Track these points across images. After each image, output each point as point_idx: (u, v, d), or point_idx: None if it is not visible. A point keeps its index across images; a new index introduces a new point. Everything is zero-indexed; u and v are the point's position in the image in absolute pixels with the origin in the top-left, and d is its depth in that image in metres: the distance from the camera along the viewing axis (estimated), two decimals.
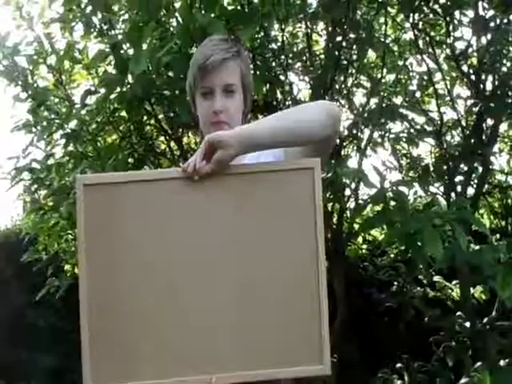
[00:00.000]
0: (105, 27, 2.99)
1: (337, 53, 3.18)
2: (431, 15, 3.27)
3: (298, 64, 3.48)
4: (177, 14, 2.78)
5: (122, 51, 2.88)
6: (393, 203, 2.43)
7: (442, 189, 3.13)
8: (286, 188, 1.39)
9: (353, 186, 3.05)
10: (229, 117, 1.61)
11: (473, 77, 3.14)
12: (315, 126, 1.45)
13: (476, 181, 3.17)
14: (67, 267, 4.30)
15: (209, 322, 1.36)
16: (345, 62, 3.31)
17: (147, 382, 1.35)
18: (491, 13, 3.04)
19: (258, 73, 3.04)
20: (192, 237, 1.38)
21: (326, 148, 1.57)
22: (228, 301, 1.37)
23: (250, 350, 1.37)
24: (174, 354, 1.36)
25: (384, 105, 3.25)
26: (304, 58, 3.44)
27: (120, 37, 2.90)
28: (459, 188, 3.08)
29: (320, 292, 1.37)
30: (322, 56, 3.46)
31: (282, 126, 1.43)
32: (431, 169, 3.10)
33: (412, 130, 3.27)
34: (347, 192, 3.14)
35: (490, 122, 3.10)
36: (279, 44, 3.34)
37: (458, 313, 3.30)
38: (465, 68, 3.19)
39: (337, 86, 3.36)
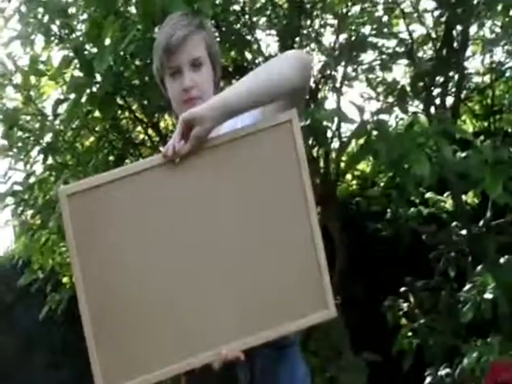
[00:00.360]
0: (64, 33, 3.50)
1: None
2: None
3: (263, 19, 4.05)
4: (134, 1, 3.27)
5: (85, 52, 3.37)
6: (375, 133, 2.96)
7: (421, 106, 3.75)
8: (268, 147, 1.61)
9: (334, 126, 3.65)
10: (200, 91, 1.83)
11: None
12: (287, 78, 1.66)
13: (454, 89, 3.79)
14: (65, 280, 4.93)
15: (209, 298, 1.59)
16: (308, 6, 3.88)
17: (158, 372, 1.57)
18: None
19: (224, 38, 3.55)
20: (184, 220, 1.60)
21: (302, 96, 1.82)
22: (227, 271, 1.59)
23: (253, 314, 1.59)
24: (179, 338, 1.58)
25: (353, 38, 3.87)
26: (267, 12, 3.99)
27: (81, 38, 3.39)
28: (438, 101, 3.70)
29: (315, 239, 1.61)
30: (286, 5, 4.00)
31: (254, 87, 1.63)
32: (408, 89, 3.68)
33: (384, 56, 3.87)
34: (329, 134, 3.71)
35: (459, 27, 3.69)
36: (241, 4, 3.87)
37: (454, 223, 3.91)
38: None
39: (304, 32, 3.95)
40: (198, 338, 1.58)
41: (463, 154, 3.07)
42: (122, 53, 3.23)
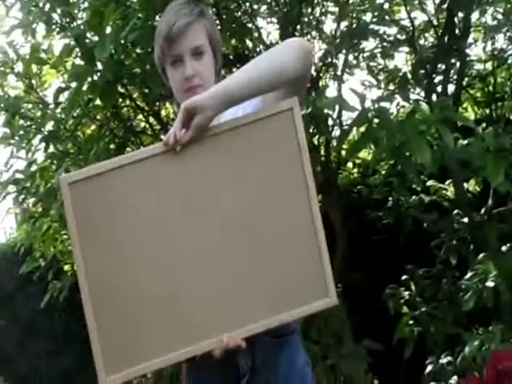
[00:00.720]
0: (66, 21, 3.52)
1: None
2: None
3: (264, 7, 4.04)
4: None
5: (86, 40, 3.37)
6: (376, 121, 2.93)
7: (423, 94, 3.73)
8: (269, 135, 1.63)
9: (335, 114, 3.64)
10: (202, 79, 1.83)
11: None
12: (288, 66, 1.67)
13: (455, 76, 3.77)
14: (67, 267, 5.01)
15: (210, 287, 1.60)
16: None
17: (159, 359, 1.58)
18: None
19: (225, 26, 3.56)
20: (185, 207, 1.61)
21: (303, 84, 1.82)
22: (227, 259, 1.61)
23: (255, 301, 1.60)
24: (180, 325, 1.59)
25: (354, 26, 3.86)
26: (268, 0, 3.96)
27: (82, 27, 3.38)
28: (440, 88, 3.68)
29: (316, 228, 1.62)
30: None
31: (255, 75, 1.64)
32: (409, 76, 3.68)
33: (385, 44, 3.87)
34: (330, 122, 3.72)
35: (460, 14, 3.68)
36: None
37: (455, 211, 3.91)
38: None
39: (305, 19, 3.95)
40: (199, 326, 1.59)
41: (465, 142, 3.09)
42: (122, 41, 3.22)
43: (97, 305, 1.59)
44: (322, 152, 4.25)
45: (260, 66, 1.68)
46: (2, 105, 3.95)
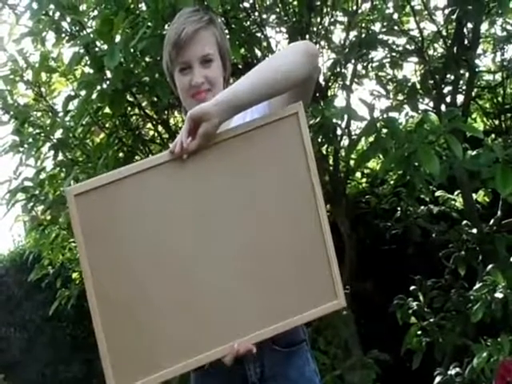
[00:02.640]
0: (75, 29, 3.50)
1: None
2: None
3: (273, 17, 4.02)
4: None
5: (96, 49, 3.37)
6: (385, 131, 2.91)
7: (431, 104, 3.69)
8: (275, 140, 1.64)
9: (343, 124, 3.59)
10: (210, 83, 1.85)
11: None
12: (293, 69, 1.66)
13: (464, 87, 3.74)
14: (75, 275, 4.97)
15: (220, 293, 1.61)
16: (318, 3, 3.84)
17: (170, 369, 1.59)
18: None
19: (233, 35, 3.48)
20: (191, 216, 1.61)
21: (309, 88, 1.82)
22: (235, 268, 1.62)
23: (264, 306, 1.61)
24: (192, 333, 1.60)
25: (363, 35, 3.82)
26: (277, 9, 3.96)
27: (92, 35, 3.35)
28: (448, 99, 3.64)
29: (324, 234, 1.64)
30: (295, 3, 3.96)
31: (261, 80, 1.63)
32: (418, 87, 3.63)
33: (394, 54, 3.84)
34: (339, 132, 3.68)
35: (470, 25, 3.66)
36: (251, 1, 3.84)
37: (464, 221, 3.85)
38: None
39: (314, 29, 3.93)
40: (210, 334, 1.60)
41: (474, 153, 3.01)
42: (132, 50, 3.19)
43: (105, 315, 1.59)
44: (331, 162, 4.21)
45: (265, 72, 1.67)
46: (12, 113, 3.93)
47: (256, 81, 1.64)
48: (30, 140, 3.99)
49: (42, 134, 3.99)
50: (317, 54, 1.80)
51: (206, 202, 1.63)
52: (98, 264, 1.60)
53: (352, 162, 4.25)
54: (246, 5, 3.86)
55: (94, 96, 3.53)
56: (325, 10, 4.01)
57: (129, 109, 4.08)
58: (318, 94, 3.78)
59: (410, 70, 4.31)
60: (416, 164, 2.84)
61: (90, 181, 1.67)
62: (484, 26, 3.89)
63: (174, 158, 1.60)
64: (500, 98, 4.22)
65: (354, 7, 3.97)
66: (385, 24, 3.95)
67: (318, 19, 4.01)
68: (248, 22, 3.88)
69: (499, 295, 3.16)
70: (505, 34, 3.94)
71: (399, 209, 4.48)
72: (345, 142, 4.06)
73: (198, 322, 1.61)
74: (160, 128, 4.39)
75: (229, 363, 1.60)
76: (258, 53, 3.95)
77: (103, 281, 1.60)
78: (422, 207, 4.27)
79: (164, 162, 1.61)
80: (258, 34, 3.90)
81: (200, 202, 1.62)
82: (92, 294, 1.59)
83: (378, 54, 4.00)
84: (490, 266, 3.40)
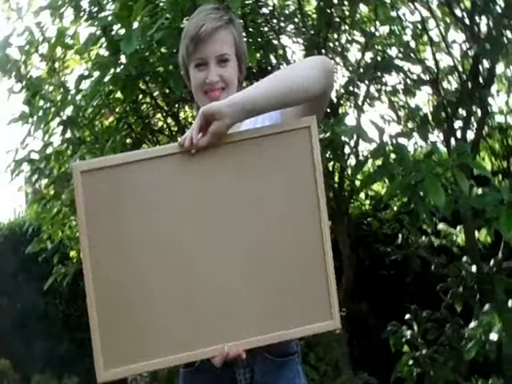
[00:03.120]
0: (94, 10, 3.14)
1: (329, 11, 3.34)
2: None
3: (291, 26, 3.65)
4: None
5: (112, 32, 3.02)
6: (393, 156, 2.60)
7: (441, 136, 3.32)
8: (285, 150, 1.48)
9: (352, 143, 3.23)
10: (225, 82, 1.69)
11: (467, 20, 3.31)
12: (309, 82, 1.51)
13: (475, 124, 3.35)
14: (73, 254, 4.54)
15: (217, 294, 1.46)
16: (337, 20, 3.48)
17: (159, 360, 1.44)
18: None
19: (250, 39, 3.19)
20: (195, 210, 1.46)
21: (322, 104, 1.66)
22: (235, 269, 1.46)
23: (259, 316, 1.46)
24: (185, 328, 1.45)
25: (379, 58, 3.43)
26: (296, 19, 3.59)
27: (110, 18, 3.01)
28: (459, 134, 3.27)
29: (325, 249, 1.48)
30: (315, 16, 3.61)
31: (276, 86, 1.49)
32: (430, 117, 3.25)
33: (408, 81, 3.45)
34: (347, 150, 3.34)
35: (486, 64, 3.26)
36: (270, 8, 3.52)
37: (464, 258, 3.49)
38: (458, 12, 3.35)
39: (331, 45, 3.56)
40: (203, 333, 1.46)
41: (479, 191, 2.71)
42: (148, 38, 2.87)
43: (100, 295, 1.45)
44: (336, 179, 3.81)
45: (281, 81, 1.52)
46: (24, 83, 3.52)
47: (271, 89, 1.49)
48: (40, 113, 3.57)
49: (52, 109, 3.56)
50: (333, 71, 1.65)
51: (210, 198, 1.48)
52: (97, 243, 1.46)
53: (357, 183, 3.88)
54: (266, 11, 3.55)
55: (106, 79, 3.16)
56: (343, 28, 3.65)
57: (140, 96, 3.69)
58: (329, 110, 3.41)
59: (423, 100, 3.91)
60: (421, 194, 2.52)
61: (98, 160, 1.57)
62: (500, 67, 3.52)
63: (182, 150, 1.46)
64: (510, 140, 3.80)
65: (372, 29, 3.59)
66: (401, 50, 3.57)
67: (336, 35, 3.65)
68: (266, 28, 3.54)
69: (494, 337, 2.86)
70: None
71: (400, 235, 4.10)
72: (352, 161, 3.66)
73: (193, 317, 1.46)
74: (169, 120, 4.00)
75: (218, 365, 1.47)
76: (273, 60, 3.62)
77: (101, 260, 1.45)
78: (424, 237, 3.90)
79: (172, 154, 1.47)
80: (275, 42, 3.56)
81: (204, 197, 1.48)
82: (89, 272, 1.45)
83: (392, 78, 3.62)
84: (486, 306, 3.08)
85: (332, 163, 3.59)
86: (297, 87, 1.50)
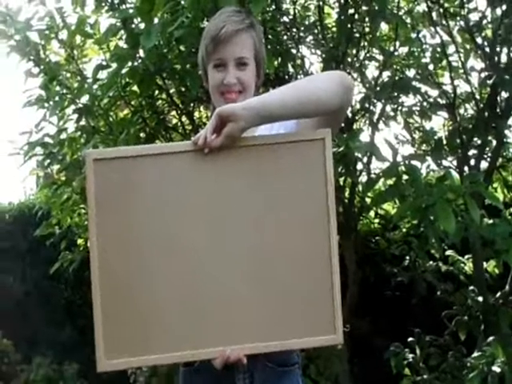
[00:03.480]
0: (116, 1, 2.95)
1: (349, 25, 3.09)
2: None
3: (310, 37, 3.40)
4: None
5: (133, 25, 2.82)
6: (405, 177, 2.39)
7: (455, 162, 3.05)
8: (298, 160, 1.38)
9: (365, 159, 2.98)
10: (242, 85, 1.58)
11: (487, 49, 3.04)
12: (327, 96, 1.41)
13: (490, 154, 3.08)
14: (80, 241, 4.28)
15: (223, 295, 1.36)
16: (357, 35, 3.22)
17: (160, 355, 1.35)
18: None
19: (269, 46, 2.96)
20: (204, 209, 1.37)
21: (339, 119, 1.55)
22: (242, 273, 1.36)
23: (263, 323, 1.37)
24: (188, 327, 1.35)
25: (397, 78, 3.18)
26: (316, 31, 3.35)
27: (131, 11, 2.83)
28: (472, 162, 3.01)
29: (332, 263, 1.37)
30: (334, 29, 3.36)
31: (294, 96, 1.39)
32: (444, 142, 3.01)
33: (425, 103, 3.18)
34: (359, 166, 3.08)
35: (504, 94, 2.99)
36: (291, 17, 3.27)
37: (471, 287, 3.24)
38: (479, 40, 3.08)
39: (349, 59, 3.29)
40: (206, 333, 1.37)
41: (490, 221, 2.48)
42: (168, 35, 2.68)
43: (105, 286, 1.36)
44: (347, 194, 3.51)
45: (299, 91, 1.42)
46: (42, 67, 3.26)
47: (289, 98, 1.39)
48: (56, 98, 3.33)
49: (69, 96, 3.31)
50: (352, 88, 1.52)
51: (219, 199, 1.38)
52: (105, 232, 1.36)
53: (368, 200, 3.59)
54: (286, 19, 3.28)
55: (124, 71, 2.93)
56: (362, 44, 3.33)
57: (156, 92, 3.41)
58: (343, 125, 3.15)
59: (438, 123, 3.60)
60: (432, 218, 2.31)
61: (112, 149, 1.52)
62: None
63: (195, 149, 1.37)
64: None
65: (392, 48, 3.27)
66: (419, 72, 3.27)
67: (355, 51, 3.33)
68: (285, 37, 3.27)
69: (497, 369, 2.63)
70: None
71: (408, 258, 3.81)
72: (363, 177, 3.35)
73: (196, 316, 1.36)
74: (184, 118, 3.69)
75: (218, 367, 1.38)
76: (291, 69, 3.34)
77: (108, 249, 1.36)
78: (431, 262, 3.61)
79: (185, 151, 1.38)
80: (294, 51, 3.28)
81: (214, 197, 1.38)
82: (95, 260, 1.36)
83: (409, 99, 3.31)
84: (491, 338, 2.83)
85: (343, 178, 3.31)
86: (314, 99, 1.41)
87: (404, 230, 3.85)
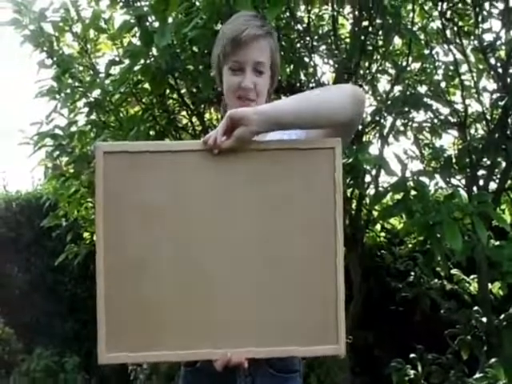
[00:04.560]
0: None
1: (362, 38, 2.99)
2: (460, 5, 3.03)
3: (323, 47, 3.29)
4: None
5: (147, 23, 2.73)
6: (413, 193, 2.30)
7: (463, 181, 2.94)
8: (307, 168, 1.34)
9: (373, 172, 2.86)
10: (257, 94, 1.54)
11: (500, 70, 2.91)
12: (338, 109, 1.38)
13: (499, 176, 2.95)
14: (86, 234, 4.17)
15: (226, 297, 1.32)
16: (370, 48, 3.11)
17: (161, 353, 1.32)
18: None
19: (282, 53, 2.82)
20: (208, 209, 1.33)
21: (349, 132, 1.50)
22: (248, 277, 1.32)
23: (265, 327, 1.33)
24: (191, 326, 1.32)
25: (408, 93, 3.06)
26: (329, 40, 3.23)
27: (146, 9, 2.74)
28: (481, 182, 2.89)
29: (337, 272, 1.32)
30: (348, 40, 3.26)
31: (306, 106, 1.36)
32: (453, 161, 2.90)
33: (436, 121, 3.07)
34: (367, 178, 2.97)
35: None
36: (305, 25, 3.15)
37: (475, 307, 3.13)
38: (492, 61, 2.95)
39: (361, 72, 3.18)
40: (209, 334, 1.31)
41: (497, 243, 2.39)
42: (181, 35, 2.61)
43: (110, 280, 1.31)
44: (354, 206, 3.40)
45: (312, 101, 1.38)
46: (55, 59, 3.15)
47: (302, 108, 1.35)
48: (68, 91, 3.21)
49: (80, 89, 3.20)
50: (363, 101, 1.48)
51: (226, 200, 1.33)
52: (112, 228, 1.32)
53: (375, 213, 3.48)
54: (300, 28, 3.14)
55: (136, 68, 2.83)
56: (375, 57, 3.22)
57: (168, 91, 3.29)
58: (353, 136, 2.88)
59: (448, 142, 3.49)
60: (438, 235, 2.20)
61: (122, 143, 1.51)
62: None
63: (205, 148, 1.32)
64: None
65: (404, 63, 3.16)
66: (431, 89, 3.15)
67: (367, 63, 3.22)
68: (298, 45, 3.14)
69: None
70: None
71: (413, 273, 3.69)
72: (371, 190, 3.22)
73: (199, 316, 1.31)
74: (194, 119, 3.57)
75: (219, 368, 1.32)
76: (303, 77, 3.21)
77: (114, 244, 1.31)
78: (436, 280, 3.49)
79: (195, 150, 1.33)
80: (306, 59, 3.15)
81: (221, 198, 1.33)
82: (101, 251, 1.31)
83: (420, 115, 3.20)
84: (493, 360, 2.70)
85: (351, 190, 3.19)
86: (326, 111, 1.37)
87: (410, 245, 3.75)
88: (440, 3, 2.95)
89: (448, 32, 3.07)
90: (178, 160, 1.33)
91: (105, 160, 1.33)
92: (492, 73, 3.00)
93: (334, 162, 1.33)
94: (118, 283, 1.31)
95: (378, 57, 3.21)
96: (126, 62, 2.86)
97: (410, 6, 3.12)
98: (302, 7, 3.18)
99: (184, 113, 3.62)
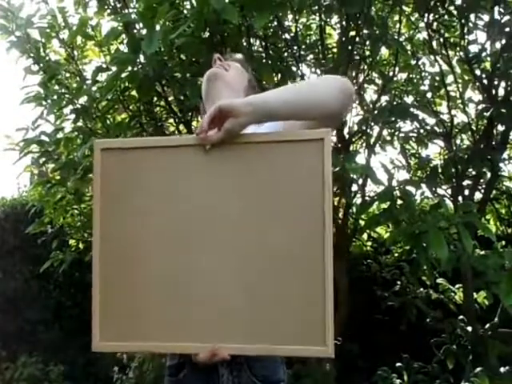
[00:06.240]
0: (119, 5, 2.84)
1: (350, 47, 2.98)
2: (446, 16, 3.05)
3: (311, 56, 3.26)
4: None
5: (134, 30, 2.73)
6: (400, 202, 2.28)
7: (449, 191, 2.93)
8: (297, 159, 1.31)
9: (360, 182, 2.87)
10: (228, 66, 1.61)
11: (485, 81, 2.94)
12: (326, 102, 1.37)
13: (484, 186, 2.98)
14: (72, 242, 4.10)
15: (217, 293, 1.31)
16: (357, 58, 3.10)
17: (151, 343, 1.33)
18: (507, 18, 2.82)
19: (270, 62, 2.87)
20: (202, 204, 1.33)
21: (336, 123, 1.51)
22: (237, 274, 1.31)
23: (253, 324, 1.31)
24: (180, 319, 1.32)
25: (395, 103, 3.07)
26: (316, 50, 3.22)
27: (133, 16, 2.72)
28: (467, 192, 2.90)
29: (326, 273, 1.29)
30: (335, 50, 3.24)
31: (294, 99, 1.35)
32: (439, 170, 2.88)
33: (422, 131, 3.07)
34: (354, 188, 2.97)
35: (500, 127, 2.89)
36: (292, 35, 3.15)
37: (460, 317, 3.12)
38: (478, 72, 2.98)
39: None
40: (198, 329, 1.31)
41: (482, 252, 2.37)
42: (169, 43, 2.58)
43: (106, 274, 1.33)
44: (340, 215, 3.35)
45: (300, 92, 1.38)
46: (42, 65, 3.11)
47: (289, 98, 1.34)
48: (55, 97, 3.18)
49: (67, 96, 3.17)
50: (352, 94, 1.46)
51: (218, 194, 1.32)
52: (110, 223, 1.33)
53: (361, 222, 3.41)
54: (288, 37, 3.14)
55: (123, 75, 2.80)
56: (362, 67, 3.20)
57: (155, 98, 3.28)
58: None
59: (434, 152, 3.52)
60: (424, 244, 2.19)
61: (120, 140, 1.56)
62: None
63: (199, 143, 1.32)
64: None
65: (391, 73, 3.16)
66: (417, 99, 3.16)
67: (354, 73, 3.19)
68: (286, 54, 3.15)
69: None
70: None
71: (399, 282, 3.65)
72: (358, 199, 3.20)
73: (189, 311, 1.30)
74: (181, 126, 3.53)
75: (201, 360, 1.31)
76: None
77: (110, 238, 1.33)
78: (422, 289, 3.46)
79: (189, 145, 1.33)
80: (294, 68, 3.13)
81: (213, 193, 1.32)
82: (97, 246, 1.33)
83: (406, 125, 3.20)
84: (478, 369, 2.71)
85: (338, 198, 3.17)
86: (315, 101, 1.36)
87: (396, 254, 3.74)
88: (426, 14, 2.97)
89: (434, 43, 3.09)
90: (174, 155, 1.34)
91: (102, 156, 1.35)
92: (477, 84, 3.02)
93: (323, 153, 1.30)
94: (112, 274, 1.33)
95: (365, 67, 3.20)
96: (114, 68, 2.82)
97: (396, 17, 3.14)
98: (290, 16, 3.17)
99: (171, 120, 3.59)
